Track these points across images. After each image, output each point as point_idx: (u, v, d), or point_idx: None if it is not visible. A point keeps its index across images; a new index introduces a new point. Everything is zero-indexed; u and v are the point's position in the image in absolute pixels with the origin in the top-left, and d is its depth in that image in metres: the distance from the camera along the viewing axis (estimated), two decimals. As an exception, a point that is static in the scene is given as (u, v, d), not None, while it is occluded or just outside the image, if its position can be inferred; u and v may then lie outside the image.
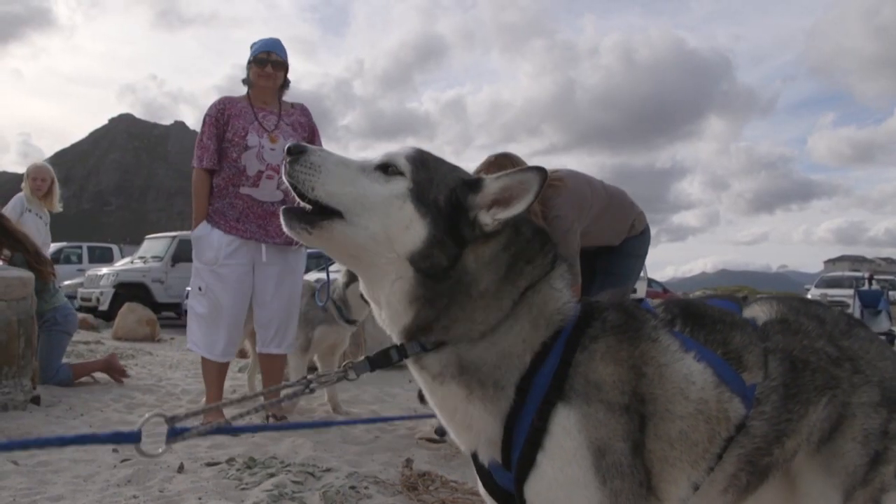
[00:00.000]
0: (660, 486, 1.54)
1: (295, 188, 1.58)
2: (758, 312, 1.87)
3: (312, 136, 5.03)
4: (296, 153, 1.57)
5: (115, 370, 6.18)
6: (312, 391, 1.76)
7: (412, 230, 1.53)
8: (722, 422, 1.58)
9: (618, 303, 1.67)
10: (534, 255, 1.60)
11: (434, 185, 1.58)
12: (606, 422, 1.48)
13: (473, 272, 1.54)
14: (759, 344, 1.71)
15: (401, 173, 1.58)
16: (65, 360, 7.70)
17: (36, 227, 6.97)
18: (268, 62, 4.91)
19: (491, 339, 1.54)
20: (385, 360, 1.61)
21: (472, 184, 1.60)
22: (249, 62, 4.96)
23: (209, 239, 4.83)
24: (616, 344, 1.57)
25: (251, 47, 5.00)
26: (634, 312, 1.66)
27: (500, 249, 1.58)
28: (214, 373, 4.98)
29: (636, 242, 4.44)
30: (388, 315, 1.60)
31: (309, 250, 5.39)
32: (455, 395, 1.56)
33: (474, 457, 1.67)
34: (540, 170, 1.57)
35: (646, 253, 4.57)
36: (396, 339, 1.61)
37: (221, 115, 4.91)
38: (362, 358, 1.69)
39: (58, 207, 7.46)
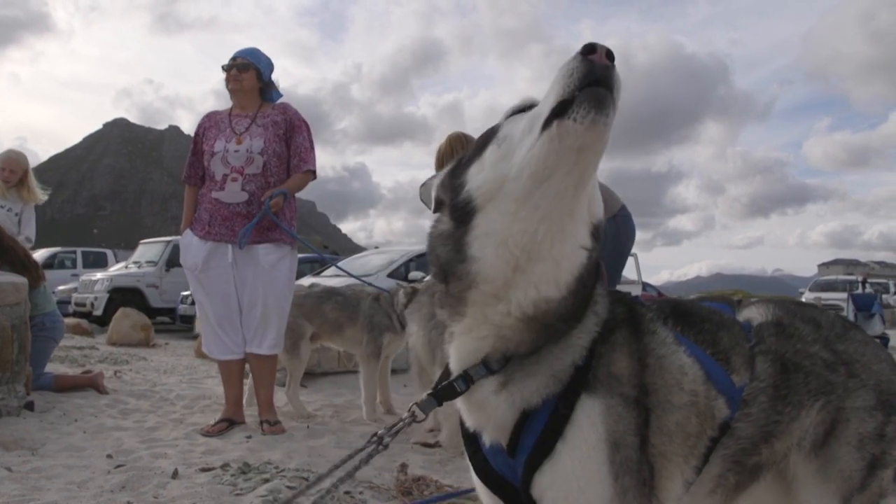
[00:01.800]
0: (660, 484, 1.54)
1: (612, 82, 1.32)
2: (753, 314, 1.87)
3: (292, 130, 5.00)
4: (613, 61, 1.34)
5: (98, 388, 6.12)
6: (386, 447, 1.72)
7: (599, 197, 1.52)
8: (708, 419, 1.58)
9: (619, 297, 1.67)
10: (600, 271, 1.59)
11: None
12: (624, 415, 1.48)
13: (596, 273, 1.53)
14: (745, 345, 1.71)
15: None
16: (59, 365, 7.71)
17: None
18: (232, 66, 5.03)
19: (565, 340, 1.50)
20: (451, 392, 1.54)
21: None
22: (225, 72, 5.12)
23: (189, 246, 4.97)
24: (628, 336, 1.57)
25: None
26: (633, 306, 1.66)
27: None
28: (223, 371, 5.10)
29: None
30: (538, 277, 1.42)
31: (301, 255, 5.39)
32: (489, 385, 1.51)
33: (473, 437, 1.63)
34: None
35: (616, 245, 4.39)
36: (510, 310, 1.44)
37: (200, 129, 5.16)
38: (426, 394, 1.62)
39: (41, 198, 6.90)
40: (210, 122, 5.11)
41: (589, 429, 1.45)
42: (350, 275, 6.23)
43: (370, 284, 5.97)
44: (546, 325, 1.45)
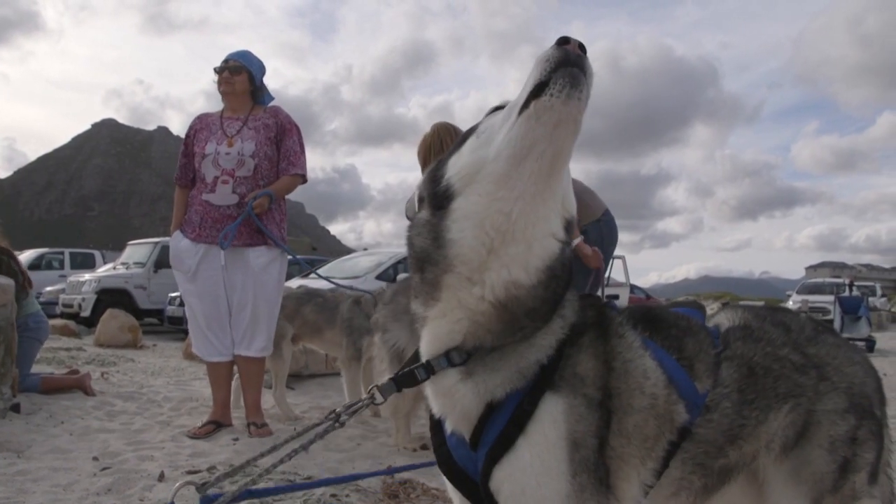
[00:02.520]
0: (616, 485, 1.56)
1: (584, 68, 1.41)
2: (722, 319, 1.90)
3: (283, 134, 5.02)
4: (586, 52, 1.44)
5: (85, 389, 6.10)
6: (342, 424, 1.77)
7: (572, 196, 1.57)
8: (667, 422, 1.61)
9: (590, 301, 1.70)
10: (571, 281, 1.62)
11: None
12: (586, 416, 1.51)
13: (568, 275, 1.55)
14: (710, 351, 1.73)
15: None
16: (46, 366, 7.68)
17: None
18: (225, 69, 5.04)
19: (531, 339, 1.53)
20: (411, 379, 1.59)
21: None
22: (217, 74, 5.12)
23: (180, 248, 4.96)
24: (595, 339, 1.60)
25: None
26: (604, 310, 1.70)
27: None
28: (211, 373, 5.09)
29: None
30: (509, 259, 1.47)
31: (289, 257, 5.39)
32: (454, 374, 1.54)
33: (438, 428, 1.66)
34: None
35: (600, 248, 4.36)
36: (482, 294, 1.48)
37: (191, 131, 5.14)
38: (386, 379, 1.66)
39: None
40: (201, 125, 5.10)
41: (550, 426, 1.49)
42: (328, 279, 6.21)
43: (352, 288, 5.97)
44: (515, 316, 1.48)
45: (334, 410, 1.79)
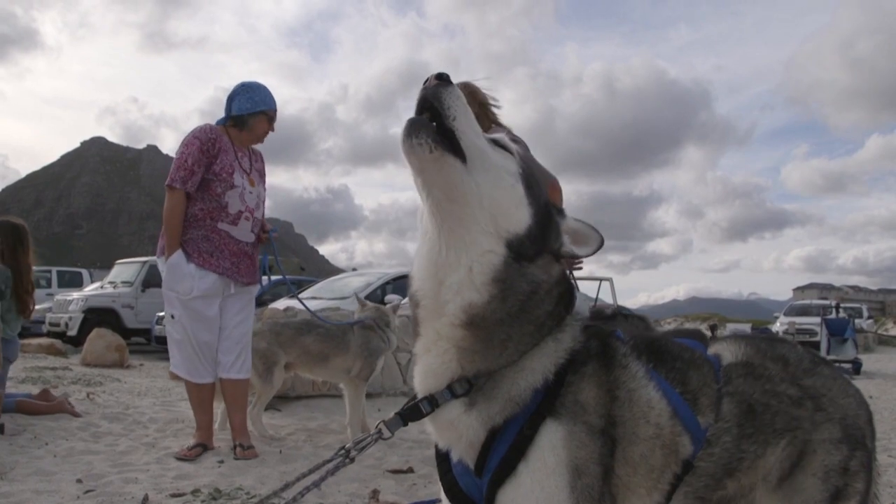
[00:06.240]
0: None
1: (434, 110, 1.51)
2: (724, 351, 1.92)
3: (264, 185, 5.35)
4: (445, 80, 1.53)
5: (66, 412, 6.01)
6: (353, 460, 1.81)
7: (520, 212, 1.57)
8: (672, 454, 1.63)
9: (595, 331, 1.72)
10: (570, 303, 1.66)
11: (536, 183, 1.66)
12: (587, 443, 1.53)
13: (544, 292, 1.58)
14: (713, 386, 1.76)
15: (510, 153, 1.65)
16: (31, 386, 7.62)
17: None
18: (274, 120, 5.17)
19: (520, 363, 1.56)
20: (416, 413, 1.62)
21: (559, 209, 1.72)
22: (259, 112, 5.02)
23: (184, 270, 4.81)
24: (598, 368, 1.63)
25: (254, 91, 5.05)
26: (608, 339, 1.72)
27: (560, 277, 1.64)
28: (197, 396, 5.03)
29: None
30: (457, 286, 1.53)
31: (274, 277, 5.44)
32: (458, 406, 1.58)
33: (444, 457, 1.69)
34: (601, 236, 1.72)
35: None
36: (446, 328, 1.55)
37: (213, 145, 4.87)
38: (393, 414, 1.70)
39: None
40: (221, 144, 4.92)
41: (549, 452, 1.52)
42: (308, 309, 6.13)
43: (327, 320, 6.01)
44: (488, 332, 1.53)
45: (344, 446, 1.83)
